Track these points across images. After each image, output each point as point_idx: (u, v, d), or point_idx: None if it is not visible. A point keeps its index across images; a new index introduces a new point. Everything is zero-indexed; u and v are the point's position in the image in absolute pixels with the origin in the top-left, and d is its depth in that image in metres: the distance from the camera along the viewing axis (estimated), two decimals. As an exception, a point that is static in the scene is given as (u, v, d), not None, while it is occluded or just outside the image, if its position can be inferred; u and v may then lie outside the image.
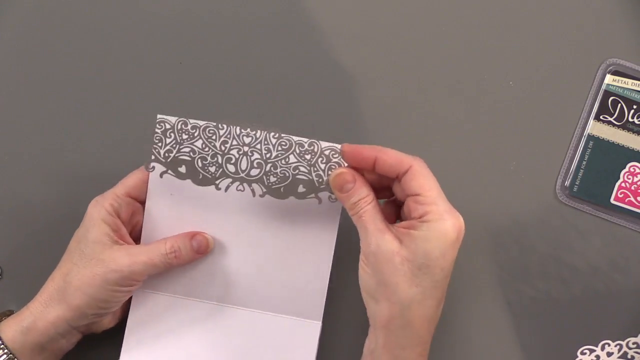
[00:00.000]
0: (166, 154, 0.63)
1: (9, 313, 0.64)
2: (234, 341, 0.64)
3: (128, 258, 0.61)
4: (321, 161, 0.62)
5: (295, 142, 0.62)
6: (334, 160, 0.62)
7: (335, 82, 0.70)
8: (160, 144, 0.62)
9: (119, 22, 0.71)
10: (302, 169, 0.62)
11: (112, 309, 0.63)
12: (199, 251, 0.63)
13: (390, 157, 0.59)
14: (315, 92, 0.70)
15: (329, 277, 0.63)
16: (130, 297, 0.64)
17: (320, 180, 0.62)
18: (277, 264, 0.64)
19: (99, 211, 0.62)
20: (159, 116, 0.63)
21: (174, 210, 0.64)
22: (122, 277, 0.60)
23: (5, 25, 0.71)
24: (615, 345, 0.67)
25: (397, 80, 0.70)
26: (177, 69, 0.71)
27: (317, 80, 0.70)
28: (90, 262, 0.60)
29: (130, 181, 0.63)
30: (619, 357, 0.67)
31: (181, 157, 0.63)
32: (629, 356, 0.67)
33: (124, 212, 0.63)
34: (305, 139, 0.62)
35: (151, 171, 0.63)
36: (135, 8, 0.71)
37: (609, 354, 0.67)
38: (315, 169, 0.62)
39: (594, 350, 0.67)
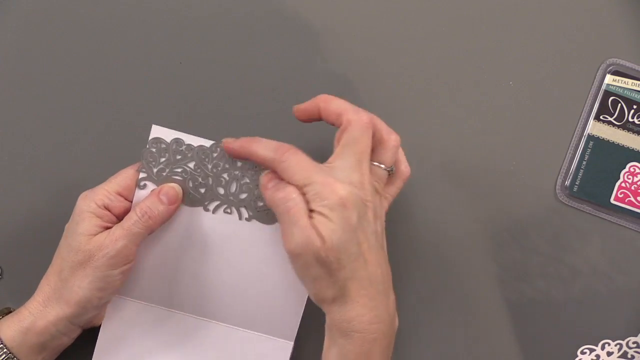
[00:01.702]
0: (159, 173, 0.63)
1: (7, 311, 0.64)
2: (206, 354, 0.64)
3: (109, 238, 0.61)
4: None
5: None
6: None
7: (335, 83, 0.70)
8: (153, 163, 0.63)
9: (118, 22, 0.71)
10: None
11: (111, 296, 0.63)
12: (170, 202, 0.62)
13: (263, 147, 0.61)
14: (315, 93, 0.70)
15: (305, 301, 0.63)
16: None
17: None
18: (256, 284, 0.64)
19: (89, 205, 0.62)
20: (153, 132, 0.63)
21: None
22: (109, 258, 0.60)
23: (3, 25, 0.71)
24: (616, 345, 0.67)
25: (396, 80, 0.70)
26: (177, 68, 0.71)
27: (317, 80, 0.70)
28: (77, 254, 0.61)
29: (121, 180, 0.63)
30: (619, 357, 0.67)
31: (173, 177, 0.63)
32: (629, 355, 0.67)
33: (116, 209, 0.63)
34: None
35: (142, 189, 0.63)
36: (134, 8, 0.71)
37: (609, 354, 0.67)
38: None
39: (594, 350, 0.67)
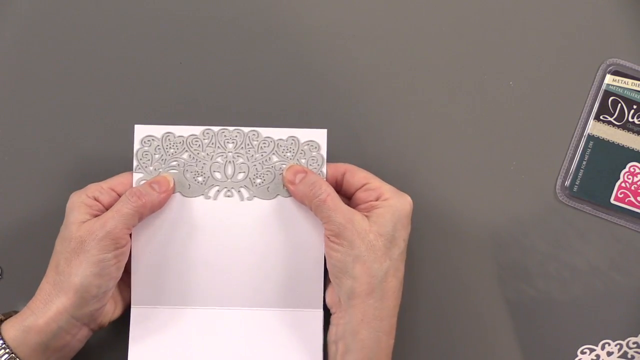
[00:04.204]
0: (155, 171, 0.64)
1: (14, 314, 0.64)
2: (240, 343, 0.64)
3: (98, 222, 0.61)
4: (301, 157, 0.64)
5: (275, 141, 0.64)
6: (313, 153, 0.64)
7: (335, 83, 0.70)
8: (149, 161, 0.63)
9: (118, 22, 0.71)
10: (285, 166, 0.64)
11: (109, 284, 0.62)
12: (161, 190, 0.63)
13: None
14: (315, 93, 0.70)
15: (324, 264, 0.64)
16: (129, 311, 0.64)
17: None
18: (270, 260, 0.64)
19: (79, 196, 0.63)
20: (138, 132, 0.64)
21: (161, 220, 0.64)
22: (99, 240, 0.60)
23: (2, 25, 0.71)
24: (616, 345, 0.67)
25: (396, 80, 0.70)
26: (178, 68, 0.70)
27: (317, 80, 0.70)
28: (70, 243, 0.61)
29: (115, 178, 0.64)
30: (619, 357, 0.67)
31: (170, 171, 0.64)
32: (629, 356, 0.67)
33: (106, 201, 0.63)
34: (284, 136, 0.64)
35: None
36: (134, 8, 0.71)
37: (609, 354, 0.67)
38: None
39: (594, 350, 0.67)
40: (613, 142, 0.69)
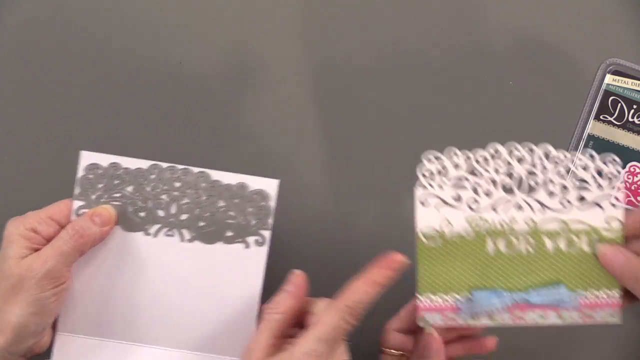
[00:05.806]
0: (97, 200, 0.62)
1: None
2: None
3: (38, 259, 0.59)
4: (249, 205, 0.62)
5: (224, 186, 0.62)
6: (262, 203, 0.62)
7: (335, 83, 0.70)
8: (91, 190, 0.62)
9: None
10: (230, 213, 0.62)
11: (48, 320, 0.60)
12: (102, 224, 0.61)
13: None
14: (314, 93, 0.70)
15: (256, 317, 0.62)
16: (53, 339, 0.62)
17: (248, 224, 0.62)
18: (204, 304, 0.62)
19: (17, 227, 0.60)
20: (83, 158, 0.62)
21: (99, 251, 0.62)
22: (38, 280, 0.58)
23: None
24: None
25: (396, 80, 0.70)
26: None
27: (316, 80, 0.70)
28: (8, 279, 0.58)
29: (55, 206, 0.62)
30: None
31: (112, 203, 0.62)
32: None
33: (45, 232, 0.60)
34: (234, 181, 0.62)
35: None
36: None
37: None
38: (244, 213, 0.62)
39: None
40: (613, 142, 0.69)
